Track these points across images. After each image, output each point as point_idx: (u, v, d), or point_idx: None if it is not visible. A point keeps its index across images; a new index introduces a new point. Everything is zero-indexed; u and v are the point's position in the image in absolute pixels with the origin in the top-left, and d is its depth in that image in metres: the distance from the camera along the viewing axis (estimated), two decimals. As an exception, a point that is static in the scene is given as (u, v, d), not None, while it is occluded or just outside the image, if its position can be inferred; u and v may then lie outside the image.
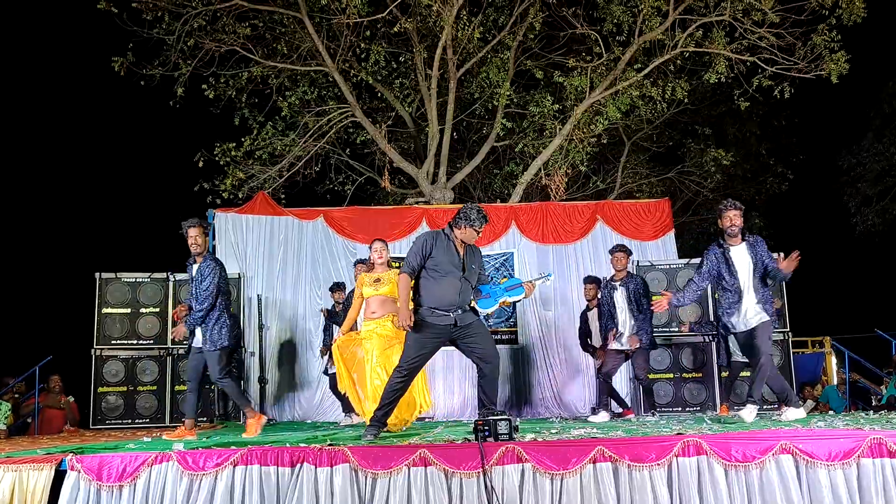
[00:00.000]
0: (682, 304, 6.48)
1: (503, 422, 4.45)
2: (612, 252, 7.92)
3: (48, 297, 16.33)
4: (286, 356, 9.96)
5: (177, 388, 9.30)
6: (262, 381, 9.63)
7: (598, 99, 11.83)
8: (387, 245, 6.94)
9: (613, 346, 7.67)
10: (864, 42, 12.64)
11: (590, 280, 8.58)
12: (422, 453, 4.18)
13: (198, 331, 6.27)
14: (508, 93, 12.37)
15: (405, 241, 10.08)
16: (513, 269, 10.12)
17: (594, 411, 7.92)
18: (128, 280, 9.38)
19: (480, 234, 5.42)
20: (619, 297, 7.71)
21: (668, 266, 9.57)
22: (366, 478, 4.17)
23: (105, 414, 9.11)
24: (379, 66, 12.53)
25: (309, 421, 9.14)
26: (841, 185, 17.97)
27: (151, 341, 9.30)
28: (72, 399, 9.78)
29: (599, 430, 5.34)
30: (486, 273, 5.72)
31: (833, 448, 4.14)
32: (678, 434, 4.46)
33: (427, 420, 9.00)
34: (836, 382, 11.03)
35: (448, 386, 9.78)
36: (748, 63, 11.32)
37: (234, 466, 4.23)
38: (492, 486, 4.09)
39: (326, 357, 8.79)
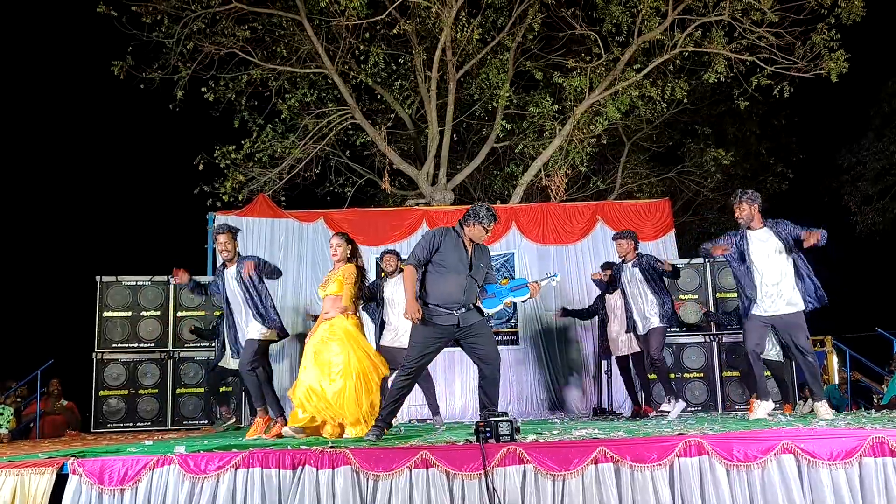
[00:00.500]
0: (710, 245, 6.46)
1: (504, 423, 4.44)
2: (615, 239, 7.94)
3: (49, 301, 16.33)
4: (287, 358, 9.96)
5: (178, 390, 9.32)
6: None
7: (597, 99, 11.83)
8: (346, 241, 6.24)
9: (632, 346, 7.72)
10: (864, 41, 12.65)
11: (607, 266, 8.53)
12: (423, 455, 4.18)
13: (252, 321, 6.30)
14: (508, 94, 12.38)
15: (406, 242, 10.08)
16: (513, 270, 10.12)
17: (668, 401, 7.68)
18: (128, 283, 9.40)
19: (490, 233, 5.42)
20: (632, 278, 7.69)
21: (668, 266, 9.56)
22: (367, 480, 4.17)
23: (106, 417, 9.12)
24: (378, 67, 12.54)
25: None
26: (841, 184, 17.97)
27: (152, 344, 9.31)
28: (65, 403, 9.78)
29: (601, 431, 5.34)
30: (493, 273, 5.71)
31: (835, 447, 4.14)
32: (680, 434, 4.46)
33: (428, 422, 9.00)
34: (836, 381, 11.02)
35: (449, 388, 9.78)
36: (747, 63, 11.32)
37: (236, 469, 4.23)
38: (493, 488, 4.08)
39: None
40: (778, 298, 6.12)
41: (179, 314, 9.42)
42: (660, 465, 4.13)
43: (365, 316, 7.37)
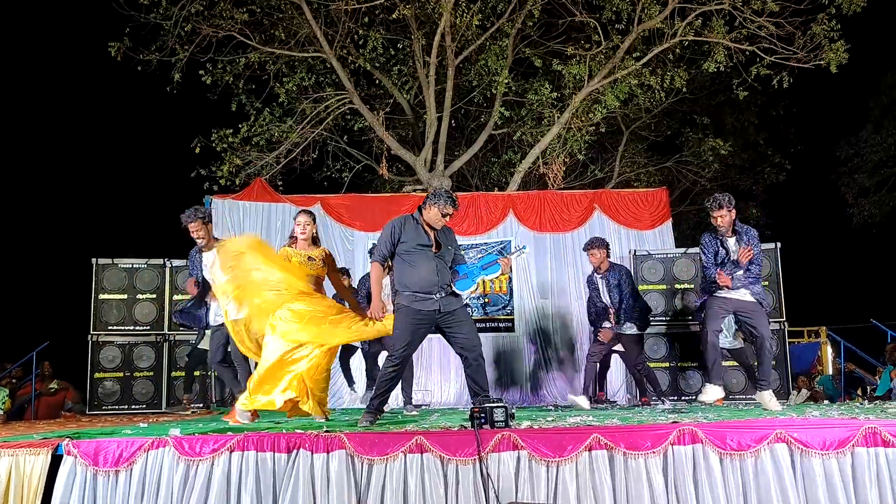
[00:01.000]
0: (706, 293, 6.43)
1: (499, 409, 4.45)
2: (586, 249, 7.84)
3: (45, 283, 16.33)
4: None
5: (173, 373, 9.31)
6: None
7: (596, 87, 11.80)
8: (313, 218, 5.99)
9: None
10: (864, 32, 12.62)
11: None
12: (418, 440, 4.19)
13: (213, 308, 6.27)
14: (507, 80, 12.33)
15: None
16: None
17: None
18: (124, 266, 9.37)
19: (447, 218, 5.36)
20: (604, 288, 7.78)
21: (665, 255, 9.57)
22: (362, 464, 4.18)
23: (102, 399, 9.11)
24: (377, 52, 12.48)
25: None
26: (839, 176, 18.00)
27: (148, 327, 9.30)
28: (55, 386, 9.77)
29: (595, 418, 5.36)
30: (462, 253, 5.68)
31: (828, 437, 4.16)
32: (674, 422, 4.48)
33: (423, 407, 9.03)
34: (831, 372, 11.07)
35: (444, 374, 9.81)
36: (747, 52, 11.29)
37: (231, 452, 4.24)
38: (488, 473, 4.10)
39: None
40: (742, 289, 6.14)
41: (175, 297, 9.40)
42: (653, 452, 4.15)
43: None
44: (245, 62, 12.16)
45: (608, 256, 7.83)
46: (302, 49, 12.15)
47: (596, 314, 7.92)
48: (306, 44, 12.18)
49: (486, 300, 10.07)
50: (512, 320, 10.06)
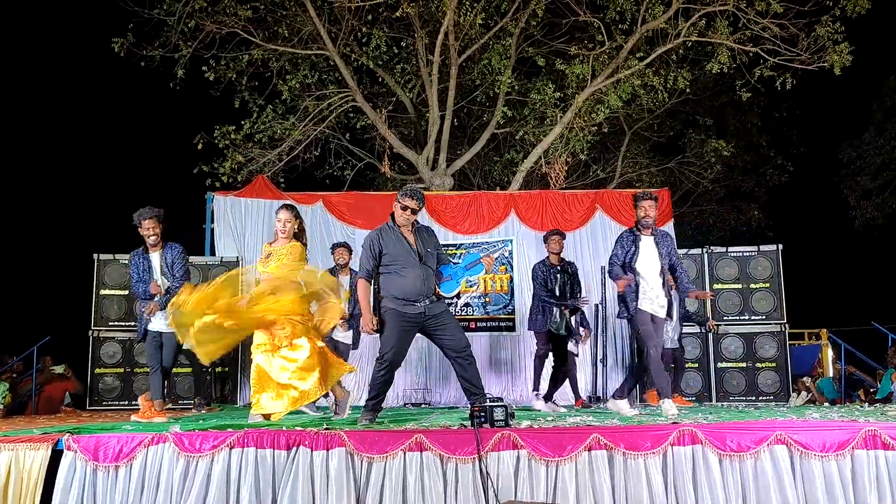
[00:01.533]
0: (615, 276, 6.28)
1: (499, 408, 4.46)
2: (548, 237, 7.79)
3: (46, 278, 16.33)
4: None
5: (174, 370, 9.30)
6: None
7: (599, 87, 11.79)
8: (296, 216, 5.76)
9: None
10: (868, 34, 12.60)
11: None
12: (418, 438, 4.19)
13: (158, 315, 6.35)
14: (510, 80, 12.33)
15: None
16: (511, 257, 10.12)
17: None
18: (125, 262, 9.33)
19: (415, 213, 5.34)
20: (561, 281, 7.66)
21: (666, 256, 9.57)
22: (362, 462, 4.18)
23: (102, 395, 9.12)
24: (380, 50, 12.49)
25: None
26: (841, 178, 17.97)
27: (149, 323, 9.28)
28: (60, 370, 9.75)
29: (595, 418, 5.36)
30: (445, 253, 5.68)
31: (827, 439, 4.16)
32: (674, 423, 4.48)
33: (423, 406, 9.03)
34: (831, 375, 11.06)
35: (444, 374, 9.79)
36: (750, 53, 11.28)
37: (231, 449, 4.24)
38: (487, 472, 4.10)
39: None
40: (655, 300, 6.12)
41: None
42: (653, 453, 4.15)
43: None
44: (248, 59, 12.16)
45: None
46: (305, 46, 12.15)
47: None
48: (309, 41, 12.18)
49: (487, 299, 10.06)
50: (513, 319, 10.06)
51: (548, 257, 7.71)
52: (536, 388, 7.89)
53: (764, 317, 9.17)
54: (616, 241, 6.31)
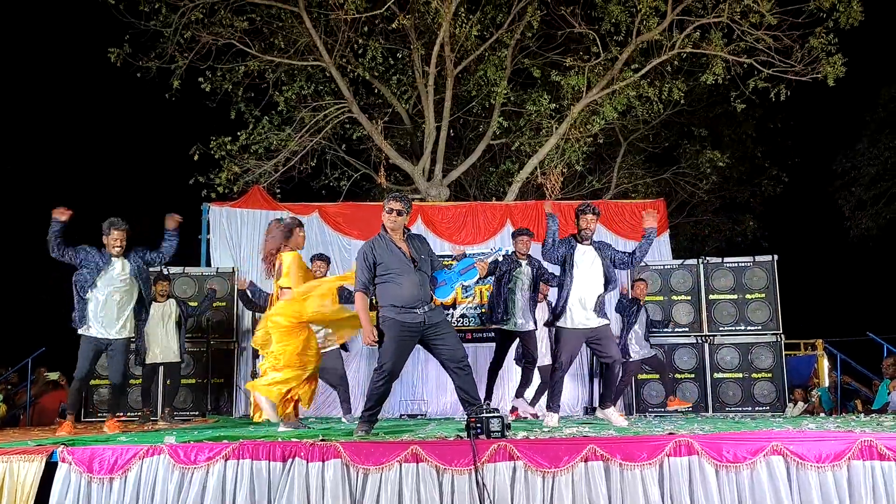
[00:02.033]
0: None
1: (495, 419, 4.45)
2: (517, 236, 7.87)
3: (42, 290, 16.26)
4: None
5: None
6: (255, 376, 9.60)
7: (594, 98, 11.83)
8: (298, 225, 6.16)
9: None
10: (862, 46, 12.68)
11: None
12: (414, 450, 4.18)
13: (100, 320, 6.65)
14: (505, 91, 12.36)
15: (400, 237, 10.06)
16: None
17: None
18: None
19: (401, 215, 5.34)
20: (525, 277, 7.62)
21: (662, 266, 9.59)
22: (357, 473, 4.17)
23: (97, 406, 9.09)
24: (376, 62, 12.51)
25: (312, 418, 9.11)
26: (836, 189, 18.03)
27: (144, 335, 9.25)
28: (55, 377, 9.72)
29: (591, 429, 5.35)
30: (438, 258, 5.68)
31: (824, 450, 4.16)
32: (670, 434, 4.47)
33: (419, 417, 9.01)
34: (827, 385, 11.05)
35: (440, 384, 9.77)
36: (745, 65, 11.34)
37: (226, 460, 4.23)
38: (483, 484, 4.09)
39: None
40: (590, 312, 6.14)
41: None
42: (649, 464, 4.15)
43: None
44: (244, 70, 12.17)
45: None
46: (301, 58, 12.18)
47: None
48: (306, 52, 12.21)
49: (484, 310, 10.05)
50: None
51: (513, 253, 7.75)
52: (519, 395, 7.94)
53: (760, 327, 9.18)
54: (562, 241, 6.35)
